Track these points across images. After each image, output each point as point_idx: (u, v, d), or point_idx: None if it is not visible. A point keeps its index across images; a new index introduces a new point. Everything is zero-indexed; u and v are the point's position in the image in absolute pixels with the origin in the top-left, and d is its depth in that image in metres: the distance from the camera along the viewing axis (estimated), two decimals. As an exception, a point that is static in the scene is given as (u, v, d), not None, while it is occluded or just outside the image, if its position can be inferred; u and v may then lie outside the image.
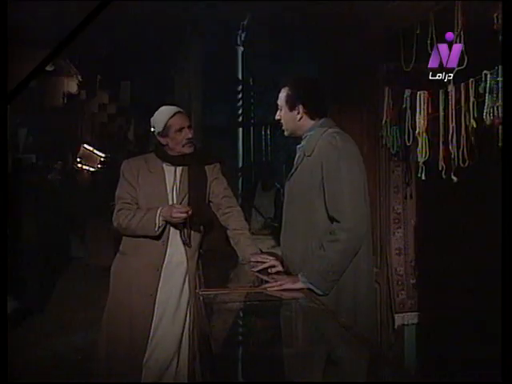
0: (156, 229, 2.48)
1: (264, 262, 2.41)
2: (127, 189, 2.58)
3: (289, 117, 2.23)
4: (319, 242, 2.07)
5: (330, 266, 2.02)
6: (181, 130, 2.56)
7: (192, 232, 2.57)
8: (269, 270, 2.35)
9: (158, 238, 2.52)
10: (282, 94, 2.25)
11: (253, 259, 2.51)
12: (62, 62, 7.05)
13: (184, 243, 2.55)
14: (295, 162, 2.25)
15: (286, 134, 2.30)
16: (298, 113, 2.20)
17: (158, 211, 2.47)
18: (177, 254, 2.55)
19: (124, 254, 2.59)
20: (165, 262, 2.53)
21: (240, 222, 2.69)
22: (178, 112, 2.61)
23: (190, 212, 2.45)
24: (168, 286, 2.54)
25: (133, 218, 2.52)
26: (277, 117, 2.29)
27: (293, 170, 2.25)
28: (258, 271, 2.36)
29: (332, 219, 2.05)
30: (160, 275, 2.52)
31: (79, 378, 3.27)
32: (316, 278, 2.02)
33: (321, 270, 2.02)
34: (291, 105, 2.21)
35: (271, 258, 2.44)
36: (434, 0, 2.59)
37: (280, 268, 2.34)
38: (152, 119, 2.63)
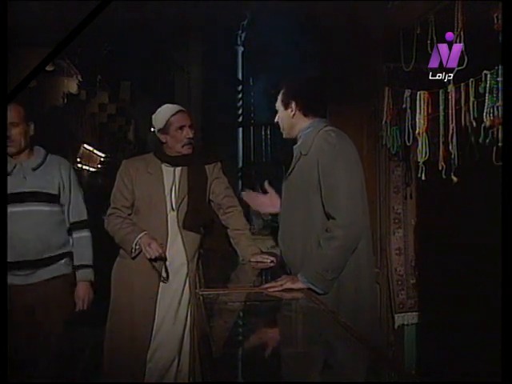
0: (132, 252, 2.48)
1: (264, 262, 2.44)
2: (121, 191, 2.58)
3: (284, 115, 2.27)
4: (318, 241, 2.07)
5: (329, 264, 2.03)
6: (182, 128, 2.56)
7: (187, 240, 2.56)
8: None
9: (157, 240, 2.52)
10: (279, 95, 2.28)
11: (253, 259, 2.52)
12: (62, 62, 7.04)
13: (162, 280, 2.51)
14: (292, 162, 2.26)
15: (284, 135, 2.33)
16: (292, 110, 2.23)
17: (137, 238, 2.46)
18: (177, 256, 2.55)
19: (124, 257, 2.58)
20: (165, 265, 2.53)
21: (241, 222, 2.69)
22: (181, 110, 2.60)
23: (163, 254, 2.46)
24: (169, 288, 2.53)
25: (117, 231, 2.53)
26: (276, 119, 2.32)
27: (290, 170, 2.26)
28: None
29: (328, 216, 2.06)
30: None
31: (81, 378, 3.27)
32: (315, 277, 2.03)
33: (320, 269, 2.02)
34: (285, 103, 2.25)
35: (271, 257, 2.46)
36: (434, 0, 2.59)
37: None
38: (153, 116, 2.62)
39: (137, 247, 2.46)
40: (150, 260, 2.46)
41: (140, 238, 2.46)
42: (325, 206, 2.07)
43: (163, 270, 2.50)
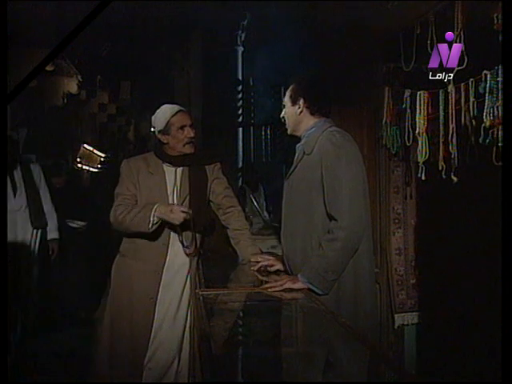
0: (150, 226, 2.41)
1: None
2: (127, 186, 2.56)
3: (290, 111, 2.26)
4: (318, 241, 2.07)
5: (329, 265, 2.02)
6: (182, 128, 2.55)
7: (196, 234, 2.55)
8: (268, 269, 2.36)
9: (158, 239, 2.51)
10: (288, 91, 2.28)
11: (253, 259, 2.52)
12: (62, 62, 7.04)
13: (184, 247, 2.50)
14: (294, 161, 2.26)
15: (288, 131, 2.32)
16: (299, 107, 2.22)
17: (154, 208, 2.41)
18: (178, 256, 2.54)
19: (124, 256, 2.58)
20: (166, 265, 2.52)
21: (241, 222, 2.69)
22: (180, 110, 2.60)
23: (190, 213, 2.41)
24: (169, 288, 2.53)
25: (128, 213, 2.45)
26: (281, 114, 2.32)
27: (292, 169, 2.26)
28: (258, 270, 2.37)
29: (330, 217, 2.06)
30: (161, 278, 2.51)
31: (80, 378, 3.27)
32: (315, 278, 2.02)
33: (320, 270, 2.02)
34: (293, 99, 2.24)
35: (271, 257, 2.45)
36: (434, 0, 2.59)
37: (279, 267, 2.34)
38: (153, 117, 2.61)
39: (154, 218, 2.40)
40: (178, 226, 2.43)
41: (156, 208, 2.41)
42: (327, 207, 2.07)
43: (183, 238, 2.48)
